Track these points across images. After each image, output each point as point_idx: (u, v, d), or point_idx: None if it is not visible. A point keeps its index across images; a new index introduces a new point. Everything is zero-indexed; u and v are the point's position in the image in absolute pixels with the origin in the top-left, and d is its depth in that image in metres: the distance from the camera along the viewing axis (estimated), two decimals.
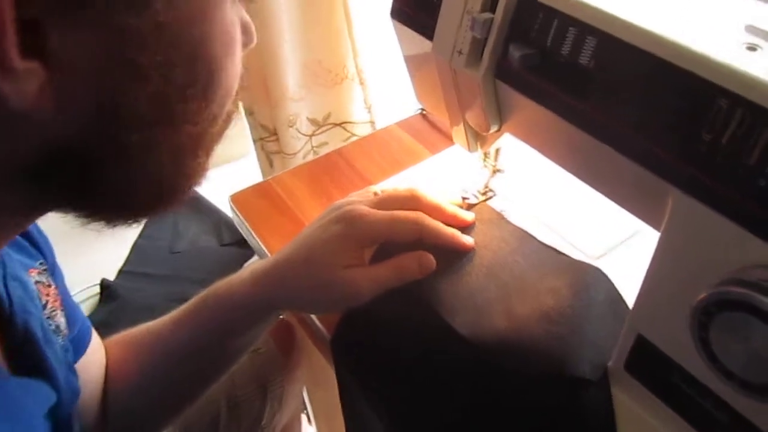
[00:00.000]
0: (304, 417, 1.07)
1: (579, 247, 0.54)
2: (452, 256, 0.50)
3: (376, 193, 0.53)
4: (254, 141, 1.28)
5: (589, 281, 0.47)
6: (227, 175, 2.08)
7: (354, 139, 0.80)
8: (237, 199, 0.71)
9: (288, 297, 0.47)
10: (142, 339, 0.50)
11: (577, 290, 0.46)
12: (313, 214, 0.65)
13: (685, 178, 0.31)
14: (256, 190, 0.71)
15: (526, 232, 0.54)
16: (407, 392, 0.44)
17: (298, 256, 0.47)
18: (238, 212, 0.69)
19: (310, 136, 1.23)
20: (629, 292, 0.47)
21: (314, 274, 0.45)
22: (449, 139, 0.57)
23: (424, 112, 0.78)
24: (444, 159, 0.69)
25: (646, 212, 0.37)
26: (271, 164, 1.30)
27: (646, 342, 0.37)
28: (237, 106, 0.33)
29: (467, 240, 0.51)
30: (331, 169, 0.72)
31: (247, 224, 0.67)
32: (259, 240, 0.65)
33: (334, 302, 0.47)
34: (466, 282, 0.49)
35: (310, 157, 1.05)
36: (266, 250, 0.63)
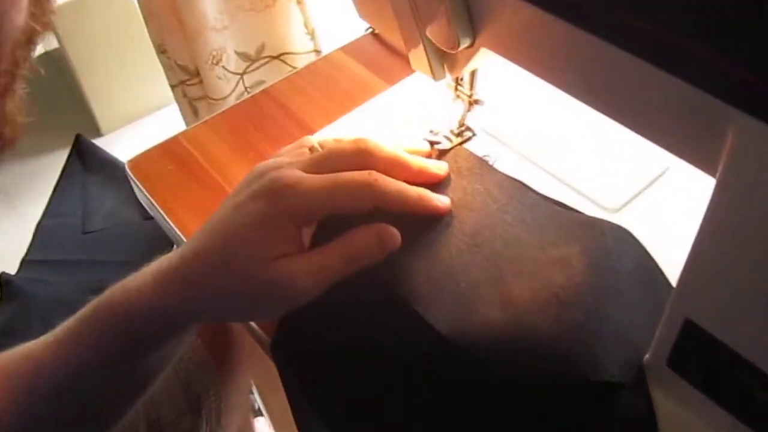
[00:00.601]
0: (262, 422, 1.04)
1: (591, 197, 0.52)
2: (422, 224, 0.48)
3: (312, 149, 0.50)
4: (172, 86, 1.28)
5: (610, 245, 0.44)
6: (146, 130, 2.00)
7: (295, 72, 0.77)
8: (137, 165, 0.67)
9: (204, 305, 0.44)
10: (17, 368, 0.46)
11: (594, 259, 0.43)
12: (238, 177, 0.60)
13: (755, 96, 0.27)
14: (162, 150, 0.68)
15: (518, 182, 0.51)
16: (370, 412, 0.42)
17: (211, 248, 0.43)
18: (139, 184, 0.66)
19: (242, 74, 1.20)
20: (665, 258, 0.44)
21: (234, 272, 0.42)
22: (408, 65, 0.54)
23: (376, 32, 0.75)
24: (403, 91, 0.67)
25: (691, 147, 0.33)
26: (195, 113, 1.27)
27: (698, 329, 0.34)
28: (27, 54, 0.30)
29: (441, 200, 0.49)
30: (258, 116, 0.69)
31: (152, 199, 0.64)
32: (170, 220, 0.62)
33: (267, 307, 0.44)
34: (442, 258, 0.46)
35: (244, 99, 1.02)
36: (181, 234, 0.61)
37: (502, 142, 0.58)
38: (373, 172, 0.46)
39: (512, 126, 0.59)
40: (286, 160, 0.48)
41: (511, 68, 0.43)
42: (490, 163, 0.55)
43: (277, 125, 0.69)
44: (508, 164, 0.55)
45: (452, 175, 0.53)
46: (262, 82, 1.22)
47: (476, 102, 0.55)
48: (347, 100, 0.68)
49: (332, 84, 0.72)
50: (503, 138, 0.58)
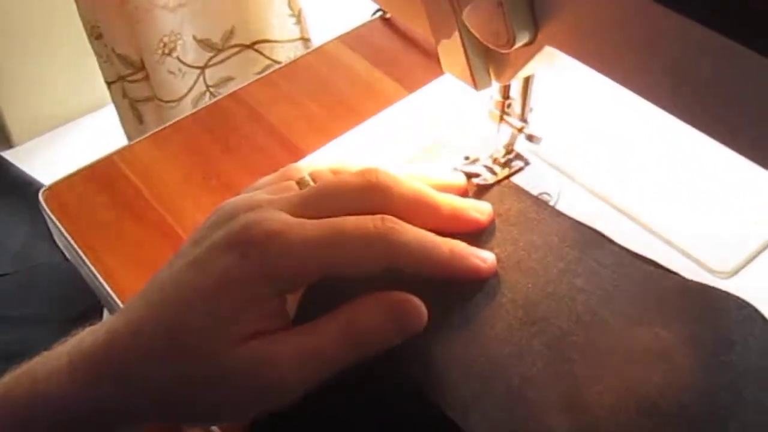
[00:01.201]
0: None
1: (693, 255, 0.52)
2: (456, 293, 0.49)
3: (302, 182, 0.51)
4: (108, 83, 1.27)
5: (731, 329, 0.44)
6: (72, 142, 1.95)
7: (275, 69, 0.80)
8: (55, 194, 0.67)
9: (142, 402, 0.44)
10: None
11: (707, 350, 0.43)
12: (196, 217, 0.64)
13: None
14: (90, 174, 0.68)
15: (592, 231, 0.52)
16: None
17: (155, 321, 0.43)
18: (56, 220, 0.65)
19: (203, 68, 1.20)
20: None
21: (189, 356, 0.42)
22: (436, 65, 0.55)
23: (387, 16, 0.77)
24: (426, 100, 0.67)
25: None
26: (139, 120, 1.27)
27: None
28: None
29: (483, 258, 0.49)
30: (224, 129, 0.71)
31: (73, 241, 0.64)
32: (97, 273, 0.61)
33: (234, 405, 0.44)
34: (485, 342, 0.46)
35: (205, 105, 1.06)
36: (112, 293, 0.60)
37: (567, 175, 0.58)
38: (388, 217, 0.46)
39: (580, 153, 0.59)
40: (265, 197, 0.48)
41: (580, 74, 0.44)
42: (551, 203, 0.55)
43: (250, 143, 0.69)
44: (574, 206, 0.55)
45: (498, 222, 0.53)
46: (231, 79, 1.23)
47: (531, 139, 0.56)
48: (348, 110, 0.69)
49: (327, 87, 0.73)
50: (567, 169, 0.58)
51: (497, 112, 0.57)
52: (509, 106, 0.57)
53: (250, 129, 0.71)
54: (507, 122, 0.57)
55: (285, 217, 0.45)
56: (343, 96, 0.72)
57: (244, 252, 0.43)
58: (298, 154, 0.64)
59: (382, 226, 0.45)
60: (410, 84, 0.70)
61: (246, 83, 0.75)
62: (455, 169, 0.57)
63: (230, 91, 0.75)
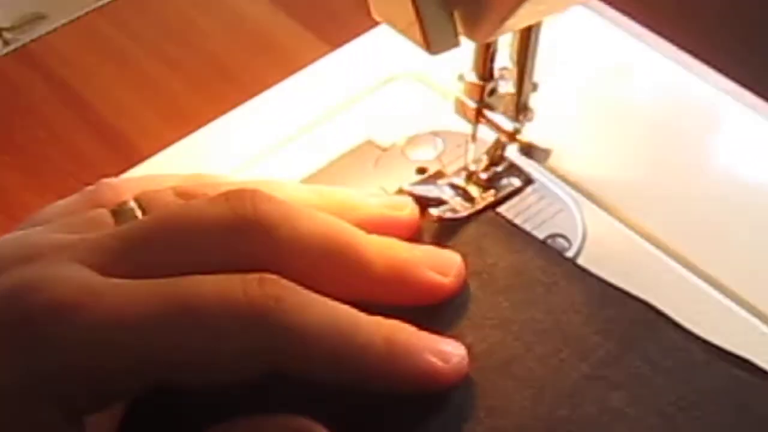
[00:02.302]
0: None
1: None
2: (404, 412, 0.49)
3: (121, 210, 0.50)
4: None
5: None
6: None
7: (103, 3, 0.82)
8: None
9: None
10: None
11: None
12: None
13: None
14: None
15: (640, 306, 0.52)
16: None
17: None
18: None
19: None
20: None
21: None
22: (365, 11, 0.54)
23: None
24: (351, 71, 0.69)
25: None
26: None
27: None
28: None
29: (446, 354, 0.49)
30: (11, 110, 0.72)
31: None
32: None
33: None
34: None
35: None
36: None
37: (593, 200, 0.59)
38: (271, 278, 0.45)
39: (614, 170, 0.61)
40: (55, 236, 0.47)
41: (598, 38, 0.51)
42: (568, 253, 0.56)
43: (42, 135, 0.71)
44: (607, 258, 0.56)
45: (474, 286, 0.53)
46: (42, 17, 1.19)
47: (532, 153, 0.56)
48: (222, 75, 0.73)
49: (185, 35, 0.77)
50: (593, 191, 0.59)
51: (471, 104, 0.57)
52: (493, 92, 0.56)
53: (48, 105, 0.73)
54: (489, 122, 0.57)
55: (85, 277, 0.44)
56: (216, 51, 0.76)
57: (11, 345, 0.43)
58: (131, 152, 0.66)
59: (260, 296, 0.44)
60: (325, 35, 0.75)
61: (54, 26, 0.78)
62: (400, 189, 0.57)
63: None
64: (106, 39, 0.80)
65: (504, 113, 0.57)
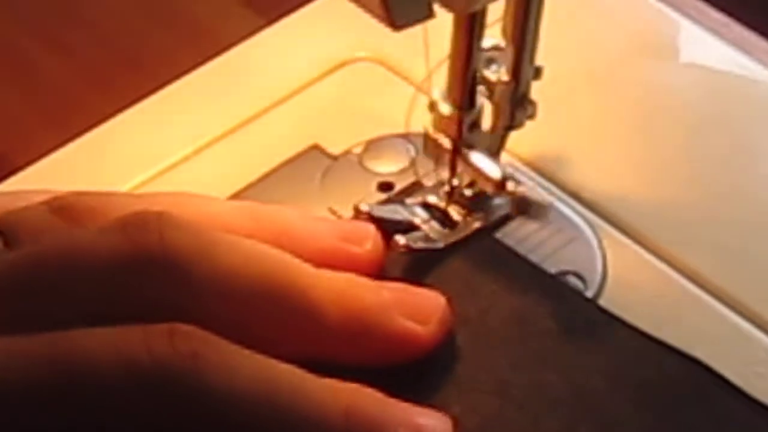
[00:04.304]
0: None
1: None
2: None
3: (2, 231, 0.46)
4: None
5: None
6: None
7: None
8: None
9: None
10: None
11: None
12: None
13: None
14: None
15: (687, 364, 0.49)
16: None
17: None
18: None
19: None
20: None
21: None
22: None
23: None
24: (290, 51, 0.67)
25: None
26: None
27: None
28: None
29: (433, 431, 0.45)
30: None
31: None
32: None
33: None
34: None
35: None
36: None
37: (613, 224, 0.56)
38: (186, 329, 0.41)
39: (629, 180, 0.59)
40: None
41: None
42: (583, 291, 0.52)
43: None
44: (630, 298, 0.52)
45: (463, 338, 0.49)
46: None
47: (523, 205, 0.52)
48: (120, 59, 0.73)
49: (72, 9, 0.76)
50: (610, 207, 0.56)
51: (445, 143, 0.53)
52: (474, 126, 0.52)
53: None
54: (470, 167, 0.53)
55: None
56: (110, 33, 0.74)
57: None
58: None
59: (170, 353, 0.40)
60: (258, 7, 0.73)
61: None
62: (356, 210, 0.52)
63: None
64: None
65: (488, 152, 0.52)
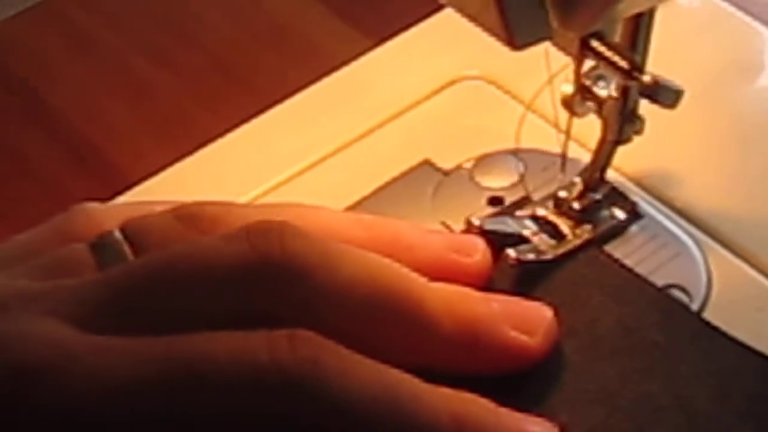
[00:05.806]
0: None
1: None
2: None
3: (106, 245, 0.47)
4: None
5: None
6: None
7: None
8: None
9: None
10: None
11: None
12: None
13: None
14: None
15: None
16: None
17: None
18: None
19: None
20: None
21: None
22: None
23: None
24: (404, 69, 0.68)
25: None
26: None
27: None
28: None
29: None
30: None
31: None
32: None
33: None
34: None
35: None
36: None
37: (720, 242, 0.55)
38: (305, 335, 0.41)
39: (735, 196, 0.58)
40: (23, 282, 0.44)
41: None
42: (689, 305, 0.52)
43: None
44: (734, 312, 0.52)
45: (571, 348, 0.50)
46: None
47: (655, 88, 0.50)
48: (232, 78, 0.72)
49: (182, 27, 0.76)
50: (716, 223, 0.56)
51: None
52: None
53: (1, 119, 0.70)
54: (597, 56, 0.51)
55: (61, 335, 0.41)
56: (221, 52, 0.74)
57: None
58: (106, 182, 0.63)
59: (291, 358, 0.40)
60: (365, 28, 0.72)
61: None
62: (468, 223, 0.53)
63: None
64: (77, 29, 0.77)
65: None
